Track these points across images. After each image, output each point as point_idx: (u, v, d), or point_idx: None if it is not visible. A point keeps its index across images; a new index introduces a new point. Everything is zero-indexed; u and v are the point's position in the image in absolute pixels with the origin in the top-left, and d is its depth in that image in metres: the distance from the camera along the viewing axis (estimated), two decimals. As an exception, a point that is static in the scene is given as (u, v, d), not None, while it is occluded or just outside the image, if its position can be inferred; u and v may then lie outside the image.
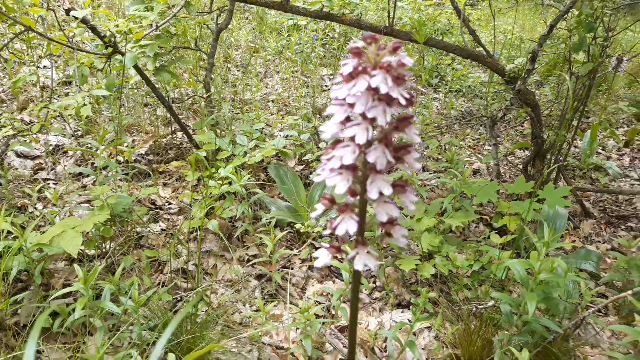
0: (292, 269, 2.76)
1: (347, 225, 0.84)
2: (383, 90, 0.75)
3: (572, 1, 2.90)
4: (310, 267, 2.77)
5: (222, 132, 3.60)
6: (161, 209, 3.05)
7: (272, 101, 5.04)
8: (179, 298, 2.39)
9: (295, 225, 2.87)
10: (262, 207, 3.14)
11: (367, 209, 0.89)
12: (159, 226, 2.85)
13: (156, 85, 3.81)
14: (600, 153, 5.49)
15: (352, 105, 0.78)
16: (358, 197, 0.88)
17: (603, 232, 3.95)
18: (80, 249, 2.31)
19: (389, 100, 0.77)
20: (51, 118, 3.14)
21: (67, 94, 4.14)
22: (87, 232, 2.25)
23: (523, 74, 3.23)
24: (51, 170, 3.38)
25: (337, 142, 0.82)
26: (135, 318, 1.89)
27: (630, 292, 2.15)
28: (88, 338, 2.00)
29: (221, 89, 4.59)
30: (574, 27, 3.14)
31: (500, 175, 4.00)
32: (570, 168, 4.81)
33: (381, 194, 0.80)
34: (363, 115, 0.77)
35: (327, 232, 0.92)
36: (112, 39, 2.32)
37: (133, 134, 3.93)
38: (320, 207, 0.90)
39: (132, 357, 1.67)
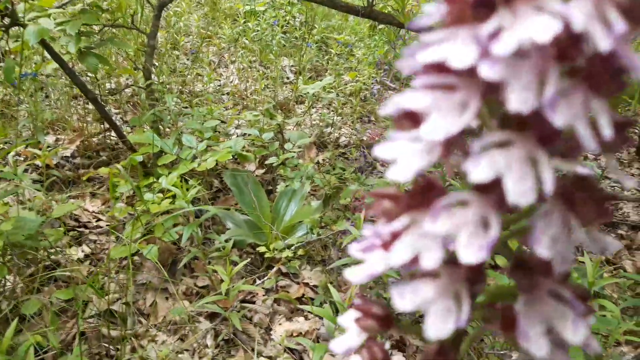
0: (253, 302, 2.21)
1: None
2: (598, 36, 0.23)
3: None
4: (276, 300, 2.24)
5: (167, 131, 3.00)
6: (86, 227, 2.43)
7: (227, 94, 4.44)
8: (105, 353, 1.80)
9: (258, 248, 2.33)
10: (215, 222, 2.58)
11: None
12: (82, 251, 2.24)
13: (81, 70, 3.17)
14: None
15: (490, 89, 0.25)
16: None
17: None
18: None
19: (593, 75, 0.25)
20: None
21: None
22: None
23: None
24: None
25: (424, 189, 0.29)
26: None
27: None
28: None
29: (167, 79, 3.97)
30: None
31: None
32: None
33: (551, 332, 0.28)
34: (524, 122, 0.25)
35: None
36: (9, 6, 1.70)
37: (57, 132, 3.26)
38: (353, 334, 0.37)
39: None
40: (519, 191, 0.25)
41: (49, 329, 1.56)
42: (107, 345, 1.81)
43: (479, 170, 0.26)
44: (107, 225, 2.43)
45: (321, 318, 2.12)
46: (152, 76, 2.70)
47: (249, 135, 3.08)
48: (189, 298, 2.14)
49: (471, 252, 0.27)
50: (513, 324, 0.29)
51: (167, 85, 4.02)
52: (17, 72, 1.90)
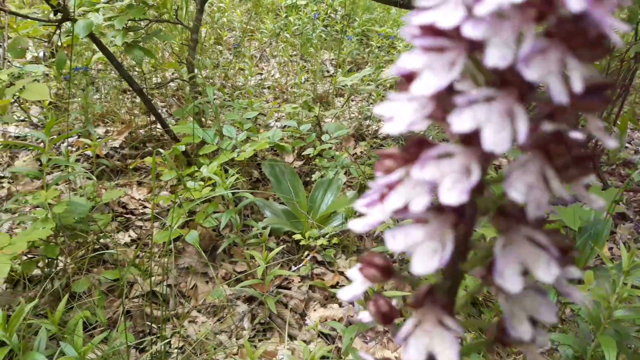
0: (289, 289, 2.27)
1: (432, 342, 0.34)
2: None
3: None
4: (312, 287, 2.29)
5: (210, 122, 3.10)
6: (133, 213, 2.55)
7: (268, 87, 4.52)
8: (148, 331, 1.90)
9: (294, 236, 2.38)
10: (253, 211, 2.65)
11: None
12: (129, 236, 2.35)
13: (130, 66, 3.31)
14: (627, 147, 5.02)
15: (472, 47, 0.28)
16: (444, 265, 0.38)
17: (643, 238, 3.48)
18: (15, 274, 1.82)
19: (572, 36, 0.28)
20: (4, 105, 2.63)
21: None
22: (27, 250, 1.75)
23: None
24: (8, 166, 2.87)
25: (419, 144, 0.32)
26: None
27: None
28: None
29: (210, 73, 4.08)
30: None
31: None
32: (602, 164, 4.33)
33: (525, 273, 0.31)
34: (506, 80, 0.28)
35: (369, 318, 0.43)
36: (61, 2, 1.81)
37: (107, 124, 3.42)
38: (358, 282, 0.41)
39: None
40: (495, 140, 0.28)
41: (97, 306, 1.66)
42: (149, 324, 1.91)
43: (460, 121, 0.28)
44: (154, 211, 2.54)
45: (354, 305, 2.15)
46: (195, 69, 2.79)
47: (288, 127, 3.14)
48: (228, 282, 2.22)
49: (452, 195, 0.30)
50: (491, 265, 0.31)
51: (210, 79, 4.13)
52: (67, 66, 2.01)
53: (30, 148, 2.80)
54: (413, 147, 0.33)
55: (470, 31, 0.27)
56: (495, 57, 0.27)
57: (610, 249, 3.28)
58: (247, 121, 2.65)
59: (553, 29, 0.27)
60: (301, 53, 5.26)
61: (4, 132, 3.07)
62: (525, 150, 0.31)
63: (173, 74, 3.84)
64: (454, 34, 0.29)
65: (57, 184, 2.03)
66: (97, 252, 2.01)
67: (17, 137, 3.11)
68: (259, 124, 3.54)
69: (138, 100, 3.68)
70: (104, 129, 3.35)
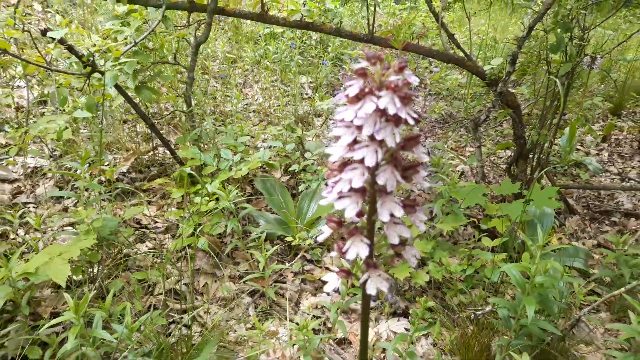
0: (284, 283, 2.72)
1: (358, 249, 0.82)
2: (391, 111, 0.74)
3: (549, 3, 2.94)
4: (304, 280, 2.74)
5: (205, 147, 3.55)
6: (147, 228, 2.98)
7: (253, 111, 4.99)
8: (172, 320, 2.33)
9: (285, 239, 2.84)
10: (250, 221, 3.10)
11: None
12: (146, 246, 2.79)
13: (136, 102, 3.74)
14: (579, 149, 5.58)
15: (359, 128, 0.75)
16: (365, 218, 0.86)
17: (588, 228, 4.00)
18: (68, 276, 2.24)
19: (397, 120, 0.75)
20: (29, 140, 3.05)
21: (42, 114, 4.04)
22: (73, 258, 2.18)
23: (504, 77, 3.26)
24: (30, 193, 3.28)
25: (344, 164, 0.79)
26: (129, 345, 1.83)
27: (623, 289, 2.16)
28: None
29: (202, 102, 4.53)
30: (551, 27, 3.19)
31: (485, 177, 4.03)
32: (551, 165, 4.87)
33: (392, 215, 0.78)
34: (372, 137, 0.75)
35: (334, 253, 0.89)
36: (90, 58, 2.26)
37: (113, 152, 3.85)
38: (326, 230, 0.88)
39: (128, 386, 1.62)
40: (370, 160, 0.74)
41: (135, 298, 2.09)
42: (173, 315, 2.34)
43: (358, 153, 0.75)
44: (163, 226, 2.98)
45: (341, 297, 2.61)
46: (192, 103, 3.25)
47: (274, 147, 3.61)
48: (233, 280, 2.66)
49: (357, 184, 0.75)
50: (377, 212, 0.77)
51: (201, 108, 4.59)
52: (93, 107, 2.46)
53: (67, 174, 3.21)
54: (342, 165, 0.79)
55: (357, 122, 0.74)
56: (366, 130, 0.74)
57: (560, 239, 3.79)
58: (241, 144, 3.11)
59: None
60: (281, 78, 5.76)
61: (24, 164, 3.48)
62: (383, 161, 0.77)
63: (167, 104, 4.28)
64: (352, 124, 0.75)
65: (89, 205, 2.46)
66: (126, 258, 2.44)
67: (36, 168, 3.52)
68: (248, 145, 4.00)
69: (140, 129, 4.12)
70: (110, 156, 3.78)
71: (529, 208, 3.05)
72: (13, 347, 2.01)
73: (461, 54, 3.50)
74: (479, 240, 2.84)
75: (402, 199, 0.79)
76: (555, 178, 4.50)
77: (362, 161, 0.76)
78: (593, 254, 3.57)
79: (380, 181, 0.76)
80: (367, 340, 0.96)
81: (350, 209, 0.78)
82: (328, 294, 2.72)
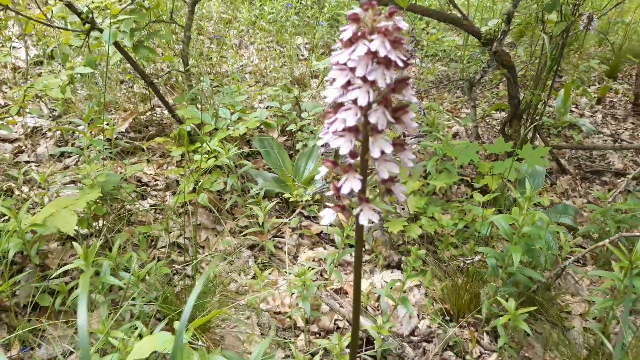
0: (283, 237, 2.81)
1: (352, 184, 0.89)
2: (382, 53, 0.79)
3: (545, -39, 2.94)
4: (301, 235, 2.84)
5: (203, 106, 3.59)
6: (147, 185, 3.06)
7: (249, 73, 5.00)
8: (175, 271, 2.43)
9: (283, 196, 2.92)
10: (248, 179, 3.17)
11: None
12: (147, 203, 2.86)
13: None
14: (573, 111, 5.63)
15: (352, 70, 0.81)
16: (359, 158, 0.93)
17: (579, 187, 4.10)
18: (63, 235, 2.33)
19: (387, 63, 0.81)
20: (28, 100, 3.08)
21: (39, 75, 4.05)
22: (79, 212, 2.25)
23: (499, 36, 3.28)
24: (32, 152, 3.33)
25: (339, 105, 0.86)
26: (136, 292, 1.93)
27: (607, 240, 2.27)
28: (89, 314, 2.04)
29: (196, 62, 4.54)
30: (547, -14, 3.19)
31: (479, 137, 4.09)
32: (545, 127, 4.93)
33: (383, 152, 0.85)
34: (364, 79, 0.81)
35: (330, 193, 0.97)
36: (90, 15, 2.27)
37: (111, 112, 3.88)
38: (323, 170, 0.95)
39: (137, 328, 1.72)
40: (362, 100, 0.80)
41: (140, 249, 2.18)
42: (176, 267, 2.44)
43: (351, 94, 0.81)
44: (164, 183, 3.05)
45: (336, 248, 2.71)
46: (189, 62, 3.27)
47: (271, 107, 3.65)
48: (233, 235, 2.75)
49: (351, 122, 0.81)
50: (369, 149, 0.84)
51: (196, 68, 4.59)
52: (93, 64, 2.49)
53: (66, 130, 3.26)
54: (337, 106, 0.85)
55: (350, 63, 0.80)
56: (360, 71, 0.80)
57: (551, 197, 3.89)
58: (239, 103, 3.16)
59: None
60: (277, 39, 5.73)
61: (24, 123, 3.52)
62: (375, 102, 0.84)
63: (167, 66, 4.29)
64: (345, 67, 0.81)
65: (91, 162, 2.52)
66: (129, 213, 2.52)
67: (35, 127, 3.56)
68: (245, 106, 4.03)
69: (136, 89, 4.14)
70: (109, 116, 3.81)
71: (521, 167, 3.14)
72: (24, 295, 2.11)
73: (458, 14, 3.51)
74: (471, 197, 2.93)
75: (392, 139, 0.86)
76: (548, 139, 4.57)
77: (355, 102, 0.82)
78: (583, 211, 3.68)
79: (372, 120, 0.82)
80: (360, 271, 1.04)
81: (345, 146, 0.85)
82: (325, 247, 2.83)
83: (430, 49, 6.17)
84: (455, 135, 4.51)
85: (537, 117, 3.87)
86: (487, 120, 4.99)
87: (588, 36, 7.00)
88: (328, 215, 0.96)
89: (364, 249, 2.79)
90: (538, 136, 4.10)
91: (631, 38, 7.11)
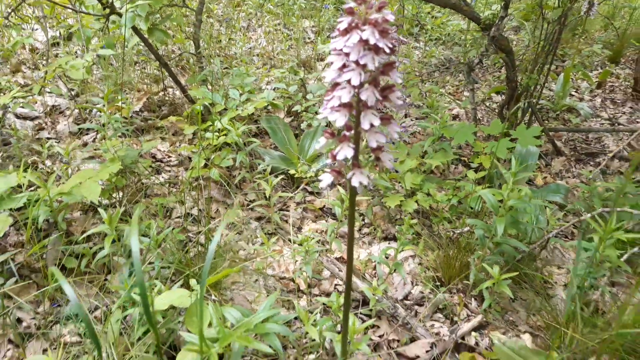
0: (288, 211, 3.01)
1: (346, 152, 1.07)
2: (372, 41, 0.97)
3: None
4: (305, 209, 3.03)
5: (213, 87, 3.76)
6: (161, 162, 3.25)
7: (257, 55, 5.15)
8: (189, 239, 2.63)
9: (289, 172, 3.10)
10: (256, 157, 3.35)
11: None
12: (162, 177, 3.06)
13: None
14: (573, 95, 5.75)
15: (347, 55, 0.99)
16: (353, 132, 1.10)
17: (573, 169, 4.26)
18: (85, 205, 2.53)
19: (376, 49, 0.99)
20: (49, 79, 3.27)
21: (56, 56, 4.23)
22: (101, 184, 2.45)
23: (497, 21, 3.42)
24: (52, 129, 3.53)
25: (336, 85, 1.03)
26: (154, 255, 2.13)
27: (588, 215, 2.44)
28: (111, 276, 2.25)
29: (206, 44, 4.69)
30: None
31: (478, 119, 4.24)
32: (544, 110, 5.07)
33: (372, 125, 1.03)
34: (356, 62, 0.99)
35: (329, 161, 1.15)
36: (110, 0, 2.44)
37: (126, 92, 4.06)
38: (322, 140, 1.13)
39: (156, 286, 1.92)
40: (355, 80, 0.97)
41: (157, 218, 2.38)
42: (189, 234, 2.64)
43: (347, 75, 0.98)
44: (177, 160, 3.24)
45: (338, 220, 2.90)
46: (200, 45, 3.43)
47: (278, 88, 3.82)
48: (241, 208, 2.95)
49: (345, 98, 0.99)
50: (361, 123, 1.02)
51: (206, 50, 4.75)
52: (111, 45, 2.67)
53: (86, 108, 3.45)
54: (334, 86, 1.02)
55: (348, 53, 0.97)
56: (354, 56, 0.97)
57: (544, 177, 4.06)
58: (247, 85, 3.33)
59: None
60: (284, 22, 5.86)
61: (44, 102, 3.71)
62: (366, 83, 1.01)
63: (178, 48, 4.45)
64: (341, 52, 0.99)
65: (112, 138, 2.71)
66: (146, 187, 2.72)
67: (54, 106, 3.75)
68: (253, 87, 4.20)
69: (149, 70, 4.31)
70: (124, 96, 3.99)
71: (515, 147, 3.29)
72: (52, 258, 2.32)
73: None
74: (466, 176, 3.10)
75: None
76: (546, 122, 4.72)
77: (349, 82, 1.00)
78: (575, 191, 3.84)
79: (363, 97, 1.00)
80: (353, 229, 1.23)
81: (340, 120, 1.03)
82: (327, 220, 3.02)
83: (434, 33, 6.28)
84: (455, 117, 4.66)
85: (534, 100, 4.01)
86: (488, 104, 5.13)
87: (593, 21, 7.07)
88: (326, 179, 1.14)
89: (363, 223, 2.98)
90: (535, 119, 4.24)
91: (636, 23, 7.16)
